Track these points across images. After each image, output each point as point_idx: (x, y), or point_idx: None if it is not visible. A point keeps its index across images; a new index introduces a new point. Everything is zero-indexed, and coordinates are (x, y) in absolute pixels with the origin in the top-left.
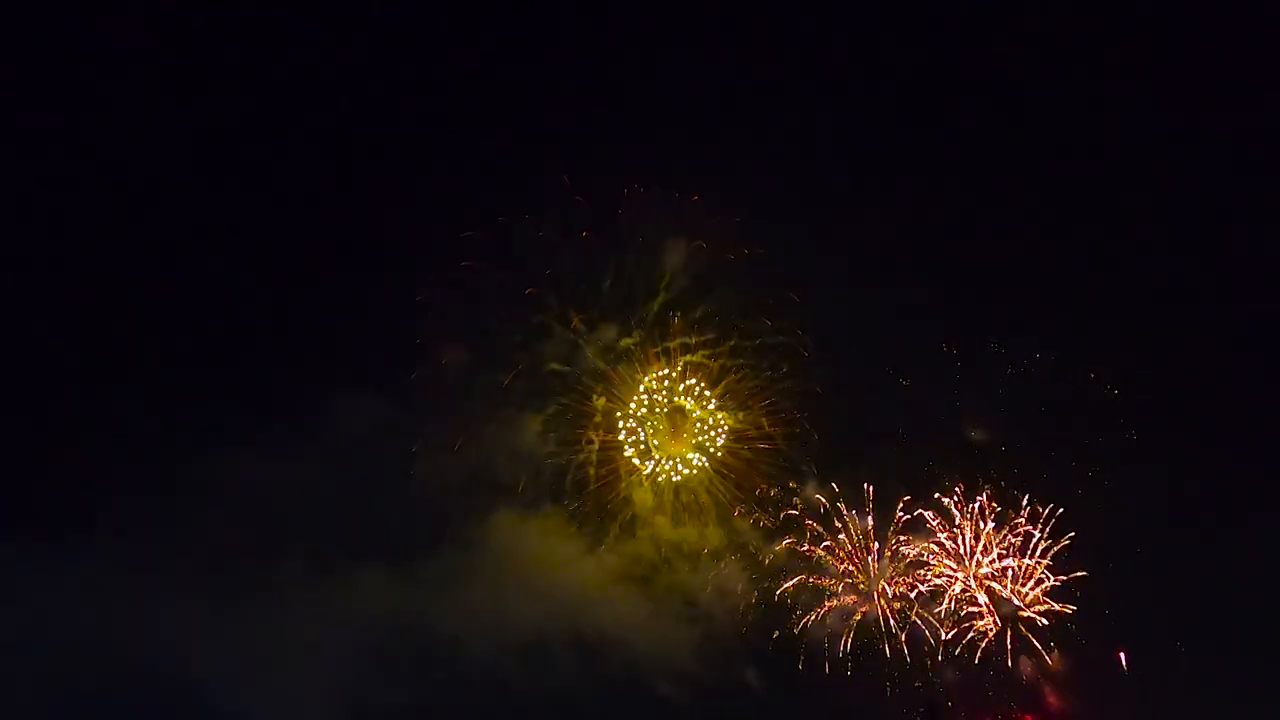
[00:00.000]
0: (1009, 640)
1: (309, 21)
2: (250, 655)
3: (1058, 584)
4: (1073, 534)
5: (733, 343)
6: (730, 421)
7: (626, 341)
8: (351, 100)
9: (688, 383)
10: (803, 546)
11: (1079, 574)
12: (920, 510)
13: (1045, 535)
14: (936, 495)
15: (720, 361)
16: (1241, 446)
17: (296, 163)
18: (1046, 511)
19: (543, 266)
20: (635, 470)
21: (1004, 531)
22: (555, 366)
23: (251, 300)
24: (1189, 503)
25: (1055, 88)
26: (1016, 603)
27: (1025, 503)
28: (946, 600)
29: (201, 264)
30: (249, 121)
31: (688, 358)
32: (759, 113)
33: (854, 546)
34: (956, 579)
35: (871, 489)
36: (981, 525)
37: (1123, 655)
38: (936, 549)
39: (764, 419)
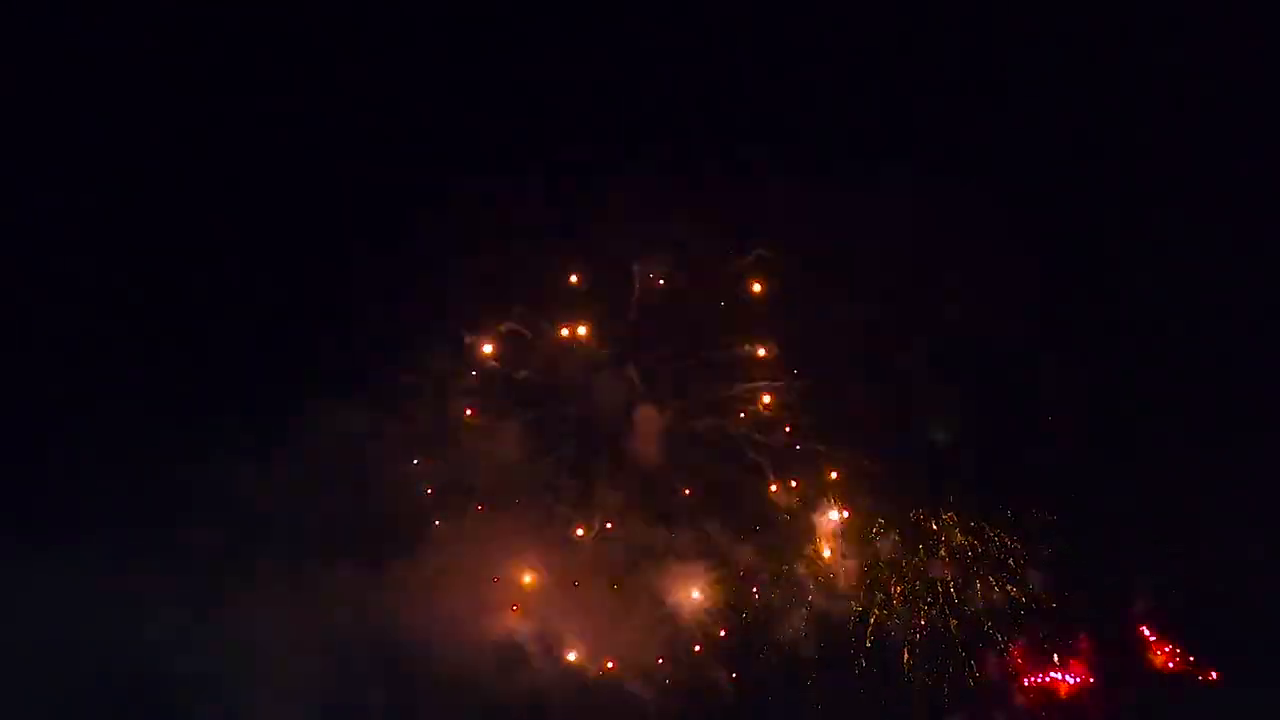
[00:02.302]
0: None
1: (291, 28)
2: (225, 657)
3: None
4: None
5: (703, 353)
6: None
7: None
8: (333, 109)
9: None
10: (770, 553)
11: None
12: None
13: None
14: (912, 513)
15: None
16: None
17: (283, 170)
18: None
19: (520, 277)
20: (609, 473)
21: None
22: (530, 375)
23: (233, 306)
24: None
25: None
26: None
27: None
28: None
29: (185, 268)
30: (236, 128)
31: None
32: (741, 127)
33: (820, 555)
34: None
35: (838, 501)
36: (950, 540)
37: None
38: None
39: (731, 425)
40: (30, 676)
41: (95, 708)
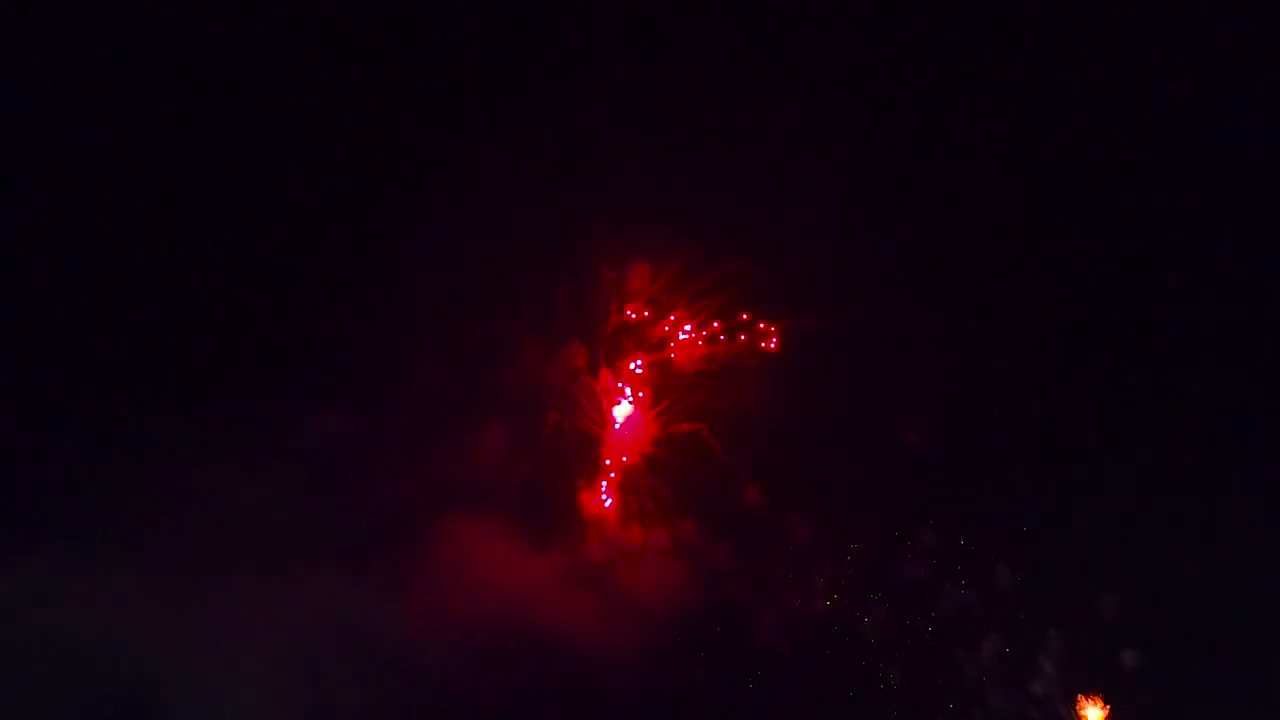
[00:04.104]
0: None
1: (283, 36)
2: (208, 659)
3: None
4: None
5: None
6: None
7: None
8: (322, 117)
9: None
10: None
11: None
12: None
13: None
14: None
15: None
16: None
17: (274, 177)
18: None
19: (507, 286)
20: (586, 476)
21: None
22: (516, 383)
23: (221, 312)
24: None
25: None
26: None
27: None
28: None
29: (174, 274)
30: (228, 134)
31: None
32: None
33: (797, 556)
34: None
35: (815, 509)
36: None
37: None
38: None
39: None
40: (20, 676)
41: (87, 708)
